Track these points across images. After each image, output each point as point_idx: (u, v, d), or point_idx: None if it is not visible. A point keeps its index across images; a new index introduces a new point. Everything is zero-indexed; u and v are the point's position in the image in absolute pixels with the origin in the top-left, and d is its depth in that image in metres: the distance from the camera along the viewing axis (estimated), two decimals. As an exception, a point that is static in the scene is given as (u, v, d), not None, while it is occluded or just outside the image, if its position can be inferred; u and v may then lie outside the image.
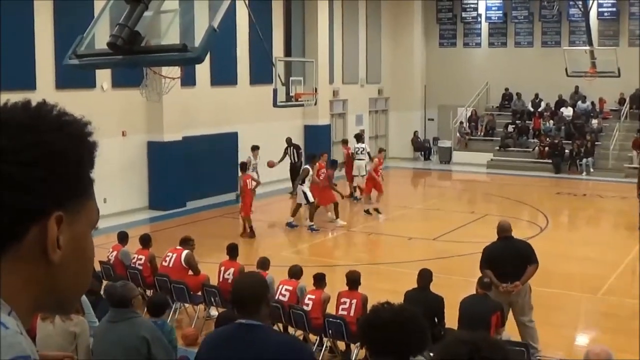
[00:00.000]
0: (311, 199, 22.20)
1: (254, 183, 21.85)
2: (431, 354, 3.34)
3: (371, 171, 24.79)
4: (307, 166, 22.81)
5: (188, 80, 24.12)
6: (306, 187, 22.28)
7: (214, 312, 13.51)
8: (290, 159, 28.42)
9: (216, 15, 8.56)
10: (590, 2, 32.81)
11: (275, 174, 28.07)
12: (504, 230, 11.94)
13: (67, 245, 1.57)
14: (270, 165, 26.65)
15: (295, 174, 27.92)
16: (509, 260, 11.52)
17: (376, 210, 24.49)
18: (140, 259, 14.69)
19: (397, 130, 40.36)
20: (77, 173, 1.58)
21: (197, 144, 25.83)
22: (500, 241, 11.95)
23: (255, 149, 25.43)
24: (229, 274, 13.61)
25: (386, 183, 27.41)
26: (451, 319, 11.04)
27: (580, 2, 32.59)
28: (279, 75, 21.66)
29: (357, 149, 27.70)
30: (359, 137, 28.52)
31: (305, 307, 11.86)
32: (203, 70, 25.83)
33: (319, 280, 12.28)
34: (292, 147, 28.45)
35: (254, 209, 21.93)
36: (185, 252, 14.24)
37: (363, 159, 27.35)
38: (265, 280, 4.93)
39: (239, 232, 21.42)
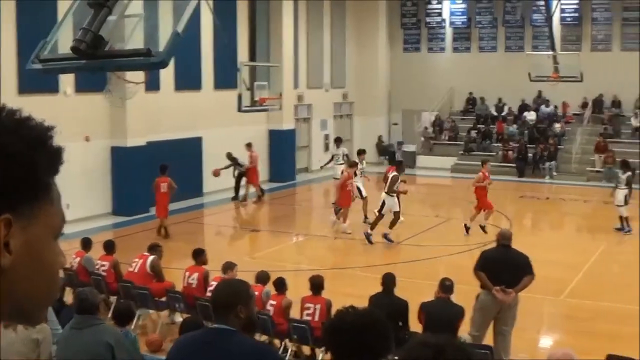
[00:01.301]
0: (396, 208, 21.19)
1: (173, 187, 21.82)
2: (395, 358, 3.34)
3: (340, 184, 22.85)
4: (396, 173, 21.36)
5: (152, 84, 23.99)
6: (389, 199, 21.07)
7: (178, 318, 13.45)
8: (233, 173, 28.08)
9: (180, 19, 8.53)
10: (553, 7, 33.10)
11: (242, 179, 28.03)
12: (504, 238, 11.90)
13: (21, 250, 1.54)
14: (216, 174, 26.80)
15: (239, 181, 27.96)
16: (505, 268, 11.46)
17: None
18: (104, 265, 14.59)
19: (362, 134, 40.38)
20: (32, 177, 1.55)
21: (161, 149, 25.65)
22: (499, 248, 11.92)
23: (361, 152, 25.42)
24: (193, 279, 13.57)
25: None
26: (416, 323, 11.07)
27: (544, 7, 32.86)
28: (243, 80, 21.67)
29: (337, 155, 27.64)
30: (339, 141, 28.49)
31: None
32: (167, 75, 25.70)
33: (279, 285, 12.29)
34: (232, 161, 28.05)
35: (217, 212, 21.85)
36: (151, 258, 14.18)
37: (342, 164, 27.20)
38: (241, 290, 4.85)
39: (200, 237, 21.40)
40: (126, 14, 9.09)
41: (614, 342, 12.72)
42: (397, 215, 21.14)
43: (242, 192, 27.94)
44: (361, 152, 25.55)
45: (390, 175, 21.25)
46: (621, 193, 22.56)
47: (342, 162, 27.23)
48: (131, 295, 13.46)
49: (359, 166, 24.12)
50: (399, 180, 21.10)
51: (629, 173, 23.01)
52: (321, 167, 29.30)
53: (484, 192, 22.27)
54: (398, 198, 21.15)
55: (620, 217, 22.72)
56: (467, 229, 22.17)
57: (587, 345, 12.61)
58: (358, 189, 23.43)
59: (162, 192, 21.71)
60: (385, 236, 20.86)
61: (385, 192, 21.02)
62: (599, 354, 10.07)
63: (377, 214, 21.24)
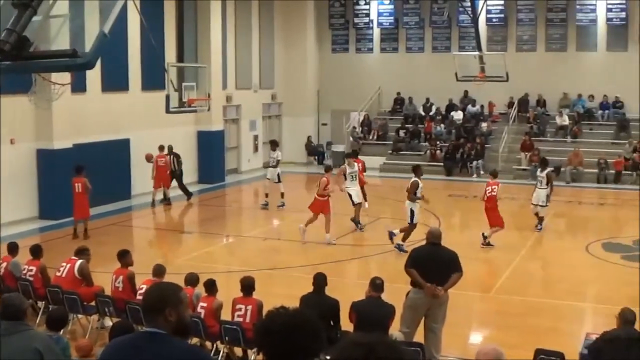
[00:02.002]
0: (416, 219, 20.22)
1: (88, 187, 21.73)
2: (327, 358, 3.35)
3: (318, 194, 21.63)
4: (416, 179, 20.15)
5: (78, 86, 23.66)
6: (415, 205, 20.19)
7: (108, 322, 13.30)
8: (171, 167, 27.94)
9: (107, 19, 8.45)
10: (479, 8, 33.50)
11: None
12: (433, 237, 11.98)
13: None
14: (149, 158, 26.64)
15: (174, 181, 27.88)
16: (434, 265, 11.58)
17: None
18: (31, 270, 14.35)
19: (291, 135, 40.44)
20: None
21: (89, 151, 25.33)
22: (428, 246, 12.03)
23: (351, 155, 24.18)
24: (119, 283, 13.44)
25: (279, 188, 27.28)
26: (347, 322, 11.11)
27: (470, 9, 33.24)
28: (171, 81, 21.50)
29: (272, 158, 27.39)
30: (274, 144, 28.22)
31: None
32: (94, 76, 25.36)
33: (210, 287, 12.23)
34: (172, 155, 27.99)
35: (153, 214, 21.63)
36: (79, 262, 13.99)
37: (275, 166, 26.97)
38: (170, 293, 4.78)
39: (129, 240, 21.19)
40: (51, 14, 8.98)
41: (542, 336, 12.94)
42: (412, 225, 20.22)
43: (169, 194, 27.83)
44: (351, 155, 24.12)
45: (411, 181, 20.30)
46: (542, 193, 22.51)
47: (274, 164, 27.05)
48: (60, 300, 13.27)
49: (348, 170, 22.85)
50: (420, 186, 20.09)
51: (548, 170, 22.85)
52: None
53: (494, 205, 21.13)
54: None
55: (538, 215, 22.70)
56: (485, 239, 21.00)
57: (517, 340, 12.80)
58: (349, 195, 22.59)
59: (77, 193, 21.59)
60: (398, 246, 19.96)
61: (409, 200, 20.19)
62: (528, 349, 10.23)
63: (407, 224, 20.23)
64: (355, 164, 23.25)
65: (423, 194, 20.25)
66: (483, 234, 20.98)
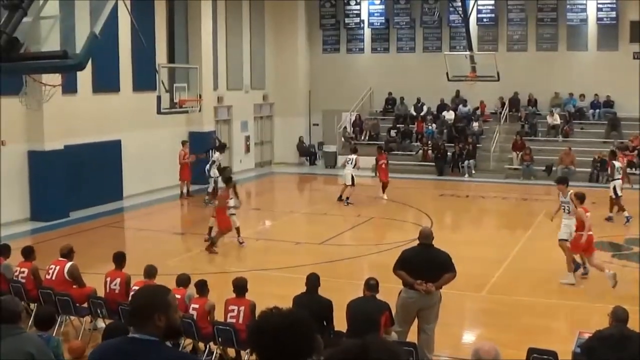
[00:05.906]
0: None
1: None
2: (321, 358, 3.35)
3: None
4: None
5: (69, 87, 23.59)
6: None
7: (101, 324, 13.26)
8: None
9: (97, 20, 8.43)
10: (470, 8, 33.52)
11: (163, 182, 27.77)
12: (424, 237, 11.93)
13: None
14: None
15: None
16: (424, 266, 11.56)
17: None
18: (23, 272, 14.29)
19: (283, 135, 40.49)
20: None
21: (80, 152, 25.30)
22: (419, 247, 11.99)
23: (561, 182, 21.04)
24: (115, 285, 13.39)
25: (271, 188, 27.33)
26: (340, 322, 11.10)
27: (460, 8, 33.27)
28: (162, 82, 21.46)
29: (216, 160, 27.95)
30: (222, 148, 29.36)
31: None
32: (85, 77, 25.30)
33: (201, 288, 12.21)
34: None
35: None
36: (69, 264, 13.92)
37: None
38: (159, 297, 4.72)
39: (120, 241, 21.16)
40: (42, 15, 8.95)
41: (535, 335, 12.96)
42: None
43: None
44: (561, 181, 18.38)
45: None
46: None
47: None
48: (52, 301, 13.23)
49: (561, 198, 17.94)
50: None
51: None
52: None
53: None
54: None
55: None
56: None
57: (509, 339, 12.79)
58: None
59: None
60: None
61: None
62: (521, 348, 10.23)
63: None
64: (569, 193, 17.65)
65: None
66: None
